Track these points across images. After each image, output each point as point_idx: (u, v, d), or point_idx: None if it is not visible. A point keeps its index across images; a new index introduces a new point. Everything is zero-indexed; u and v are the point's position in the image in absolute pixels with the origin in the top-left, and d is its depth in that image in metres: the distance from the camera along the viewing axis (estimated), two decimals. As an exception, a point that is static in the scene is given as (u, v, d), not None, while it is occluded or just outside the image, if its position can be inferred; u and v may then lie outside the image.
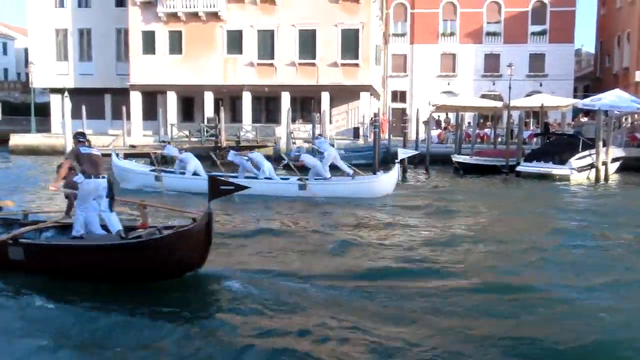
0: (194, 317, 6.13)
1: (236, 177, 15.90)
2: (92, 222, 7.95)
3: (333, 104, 33.12)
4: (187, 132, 30.20)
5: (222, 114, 28.66)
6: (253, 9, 32.35)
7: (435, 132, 30.36)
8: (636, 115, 29.17)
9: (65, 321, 5.95)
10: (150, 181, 16.17)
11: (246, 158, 16.37)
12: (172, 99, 33.57)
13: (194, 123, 33.30)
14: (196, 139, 29.38)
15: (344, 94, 32.78)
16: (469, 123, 32.15)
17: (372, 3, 31.91)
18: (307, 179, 15.46)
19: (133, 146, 28.06)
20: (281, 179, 15.93)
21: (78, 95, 33.94)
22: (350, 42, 31.84)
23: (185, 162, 16.73)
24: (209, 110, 32.80)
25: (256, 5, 32.27)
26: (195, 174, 16.30)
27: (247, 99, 32.86)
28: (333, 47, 31.83)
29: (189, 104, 35.38)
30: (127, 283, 6.98)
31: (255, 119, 33.17)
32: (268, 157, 25.51)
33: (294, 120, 31.23)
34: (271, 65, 32.43)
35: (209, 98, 33.12)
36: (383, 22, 37.94)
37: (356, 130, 32.24)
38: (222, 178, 15.30)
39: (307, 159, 15.94)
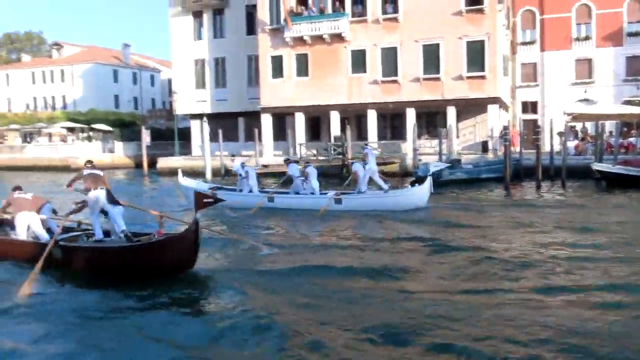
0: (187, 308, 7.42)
1: (288, 192, 17.38)
2: (95, 225, 10.01)
3: (459, 118, 32.46)
4: (314, 151, 31.19)
5: (348, 132, 29.26)
6: (376, 27, 32.79)
7: (572, 144, 28.62)
8: None
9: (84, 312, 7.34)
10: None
11: (298, 174, 17.34)
12: (300, 119, 34.87)
13: (321, 142, 34.29)
14: (324, 158, 30.23)
15: (470, 108, 32.02)
16: (611, 132, 29.87)
17: (497, 13, 30.97)
18: (346, 193, 16.42)
19: (265, 166, 29.51)
20: (320, 193, 16.74)
21: (215, 119, 36.51)
22: (476, 54, 31.10)
23: (247, 176, 17.69)
24: (335, 129, 33.62)
25: (379, 23, 32.67)
26: (251, 190, 17.43)
27: (372, 116, 33.24)
28: (458, 60, 31.28)
29: (316, 123, 36.50)
30: (131, 279, 8.39)
31: (381, 136, 33.42)
32: (394, 174, 25.88)
33: (419, 136, 31.04)
34: (395, 82, 32.57)
35: (335, 117, 33.96)
36: (510, 31, 36.62)
37: (484, 144, 31.29)
38: (269, 194, 17.12)
39: (358, 170, 16.80)
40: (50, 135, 50.76)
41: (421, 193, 15.84)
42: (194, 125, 40.16)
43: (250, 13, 37.40)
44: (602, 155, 24.16)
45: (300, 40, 34.06)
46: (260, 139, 33.61)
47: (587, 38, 36.82)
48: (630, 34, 35.91)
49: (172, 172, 34.21)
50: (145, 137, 37.35)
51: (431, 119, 33.51)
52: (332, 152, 29.93)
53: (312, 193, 16.72)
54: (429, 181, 16.01)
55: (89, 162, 10.85)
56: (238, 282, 8.33)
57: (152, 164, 36.80)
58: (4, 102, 64.37)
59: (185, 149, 41.03)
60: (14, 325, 7.02)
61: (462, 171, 25.15)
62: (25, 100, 63.03)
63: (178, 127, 41.90)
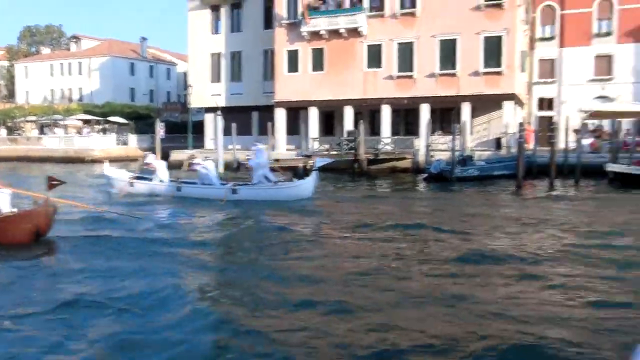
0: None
1: (194, 183, 18.85)
2: None
3: (474, 114, 32.14)
4: (327, 146, 31.11)
5: (361, 128, 29.14)
6: (393, 22, 32.55)
7: (587, 141, 28.17)
8: None
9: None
10: (127, 186, 19.33)
11: (202, 166, 18.80)
12: (313, 114, 34.79)
13: (334, 137, 34.17)
14: (336, 152, 30.12)
15: (486, 104, 31.69)
16: (628, 130, 29.35)
17: (517, 8, 30.56)
18: (240, 185, 18.02)
19: (277, 160, 29.46)
20: (221, 184, 18.43)
21: (229, 113, 36.55)
22: (493, 50, 30.74)
23: (155, 169, 19.58)
24: (348, 124, 33.49)
25: (396, 18, 32.43)
26: (162, 180, 19.24)
27: (386, 112, 33.05)
28: (475, 56, 30.94)
29: (330, 118, 36.40)
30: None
31: (394, 132, 33.21)
32: (406, 170, 25.80)
33: (433, 132, 30.80)
34: (411, 77, 32.33)
35: (349, 112, 33.83)
36: (529, 26, 36.14)
37: (498, 141, 30.95)
38: (178, 184, 18.76)
39: (253, 164, 18.52)
40: (66, 127, 51.26)
41: (306, 186, 17.63)
42: (208, 118, 40.28)
43: (268, 7, 37.31)
44: (617, 154, 23.74)
45: (316, 35, 33.97)
46: (273, 133, 33.59)
47: (607, 34, 36.21)
48: (653, 31, 35.23)
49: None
50: (159, 130, 37.50)
51: (446, 115, 33.21)
52: (345, 147, 29.82)
53: (161, 181, 18.90)
54: (314, 175, 17.75)
55: None
56: (81, 247, 10.25)
57: (166, 156, 36.91)
58: (22, 94, 65.18)
59: (199, 142, 41.16)
60: None
61: (475, 168, 24.91)
62: (43, 93, 63.76)
63: (193, 121, 42.04)
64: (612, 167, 21.43)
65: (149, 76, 64.56)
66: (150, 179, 19.63)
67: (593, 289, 7.53)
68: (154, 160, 20.11)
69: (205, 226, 13.27)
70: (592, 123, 31.76)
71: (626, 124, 29.42)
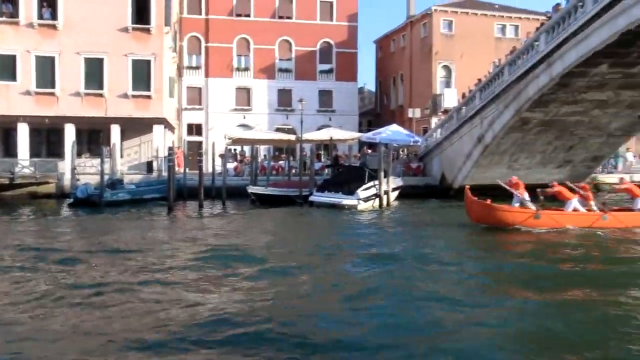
0: None
1: None
2: None
3: (124, 137, 31.39)
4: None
5: (-9, 148, 25.41)
6: (30, 32, 29.46)
7: (231, 165, 30.44)
8: (410, 147, 32.58)
9: None
10: None
11: None
12: None
13: (-44, 158, 28.95)
14: (-42, 176, 25.55)
15: (136, 127, 31.29)
16: (265, 155, 32.85)
17: (164, 34, 31.21)
18: None
19: None
20: None
21: None
22: (141, 73, 30.63)
23: None
24: (-25, 143, 28.83)
25: (34, 28, 29.46)
26: None
27: (23, 130, 29.55)
28: (123, 77, 30.30)
29: (-50, 136, 30.75)
30: None
31: (35, 153, 29.92)
32: (49, 195, 23.61)
33: (80, 154, 28.89)
34: (52, 94, 29.72)
35: (-25, 129, 29.15)
36: (177, 54, 37.36)
37: (149, 164, 30.91)
38: None
39: None
40: None
41: None
42: None
43: None
44: (257, 176, 26.33)
45: None
46: None
47: (246, 69, 40.10)
48: (281, 70, 40.51)
49: None
50: None
51: (94, 136, 31.61)
52: (-30, 170, 25.52)
53: None
54: None
55: None
56: None
57: None
58: None
59: None
60: None
61: (125, 191, 24.32)
62: None
63: None
64: (252, 189, 23.66)
65: None
66: None
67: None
68: None
69: None
70: (234, 149, 34.51)
71: (263, 150, 32.95)
